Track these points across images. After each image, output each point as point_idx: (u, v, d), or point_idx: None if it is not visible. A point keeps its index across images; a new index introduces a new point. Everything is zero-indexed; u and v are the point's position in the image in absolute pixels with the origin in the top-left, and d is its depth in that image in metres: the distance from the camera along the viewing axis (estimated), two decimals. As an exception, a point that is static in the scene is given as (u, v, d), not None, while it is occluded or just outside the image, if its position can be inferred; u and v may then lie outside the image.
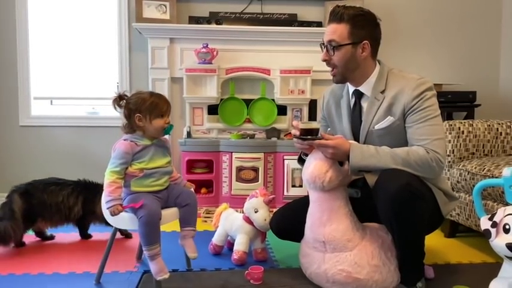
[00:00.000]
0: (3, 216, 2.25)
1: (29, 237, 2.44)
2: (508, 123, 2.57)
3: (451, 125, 2.46)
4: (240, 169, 3.03)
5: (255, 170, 3.03)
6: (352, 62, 1.76)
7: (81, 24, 3.32)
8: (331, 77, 1.85)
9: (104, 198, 1.76)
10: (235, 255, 2.08)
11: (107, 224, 1.99)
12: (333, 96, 1.96)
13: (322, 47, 1.80)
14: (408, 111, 1.71)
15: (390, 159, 1.64)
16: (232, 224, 2.18)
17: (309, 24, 3.25)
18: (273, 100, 3.25)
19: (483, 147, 2.50)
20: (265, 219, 2.08)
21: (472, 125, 2.49)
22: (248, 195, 2.21)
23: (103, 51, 3.35)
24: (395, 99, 1.74)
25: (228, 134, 3.23)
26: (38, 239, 2.45)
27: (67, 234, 2.49)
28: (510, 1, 3.50)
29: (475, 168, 2.25)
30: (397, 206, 1.57)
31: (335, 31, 1.74)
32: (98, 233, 2.49)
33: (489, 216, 1.60)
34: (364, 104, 1.82)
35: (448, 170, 2.45)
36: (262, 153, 3.04)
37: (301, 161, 1.89)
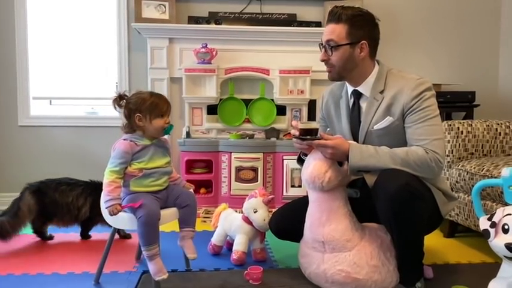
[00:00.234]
0: (8, 211, 2.30)
1: (28, 237, 2.43)
2: (507, 123, 2.58)
3: (450, 125, 2.46)
4: (239, 169, 3.03)
5: (254, 170, 3.03)
6: (350, 62, 1.76)
7: (80, 24, 3.32)
8: None
9: (103, 197, 1.76)
10: (234, 256, 2.08)
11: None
12: (332, 97, 1.97)
13: (321, 47, 1.81)
14: (407, 111, 1.71)
15: (389, 159, 1.64)
16: (232, 224, 2.18)
17: (308, 24, 3.25)
18: (272, 100, 3.25)
19: (482, 148, 2.50)
20: (264, 219, 2.08)
21: (471, 125, 2.49)
22: (247, 195, 2.21)
23: (102, 51, 3.34)
24: (395, 99, 1.74)
25: (227, 134, 3.23)
26: (37, 239, 2.44)
27: (66, 234, 2.49)
28: (509, 1, 3.50)
29: (474, 168, 2.25)
30: (396, 206, 1.58)
31: (333, 31, 1.75)
32: (97, 233, 2.49)
33: (488, 216, 1.60)
34: (363, 104, 1.82)
35: (447, 170, 2.45)
36: (262, 153, 3.04)
37: (301, 161, 1.89)
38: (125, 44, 3.29)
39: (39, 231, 2.43)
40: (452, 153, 2.45)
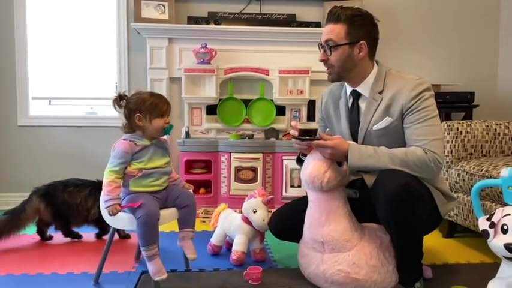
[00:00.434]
0: (12, 211, 2.34)
1: (27, 237, 2.43)
2: (506, 124, 2.58)
3: (450, 126, 2.47)
4: (238, 169, 3.03)
5: (254, 170, 3.03)
6: (349, 62, 1.77)
7: (79, 24, 3.32)
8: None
9: (103, 197, 1.76)
10: (233, 256, 2.08)
11: None
12: (331, 97, 1.97)
13: (320, 47, 1.81)
14: (406, 111, 1.71)
15: (388, 159, 1.64)
16: (231, 224, 2.18)
17: (307, 24, 3.25)
18: (272, 100, 3.25)
19: (481, 148, 2.50)
20: (263, 220, 2.08)
21: (470, 126, 2.49)
22: (247, 196, 2.21)
23: (102, 51, 3.34)
24: (394, 99, 1.74)
25: (227, 134, 3.23)
26: (35, 239, 2.44)
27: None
28: (508, 1, 3.50)
29: (473, 168, 2.25)
30: (395, 206, 1.58)
31: (332, 31, 1.75)
32: (95, 233, 2.49)
33: (487, 216, 1.60)
34: (362, 105, 1.83)
35: (447, 171, 2.46)
36: (261, 154, 3.04)
37: (300, 162, 1.90)
38: (125, 44, 3.29)
39: (68, 232, 2.42)
40: (451, 153, 2.45)
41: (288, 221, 1.96)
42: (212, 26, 3.18)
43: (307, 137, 1.70)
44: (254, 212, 2.10)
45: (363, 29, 1.75)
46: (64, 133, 3.31)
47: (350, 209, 1.78)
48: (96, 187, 2.38)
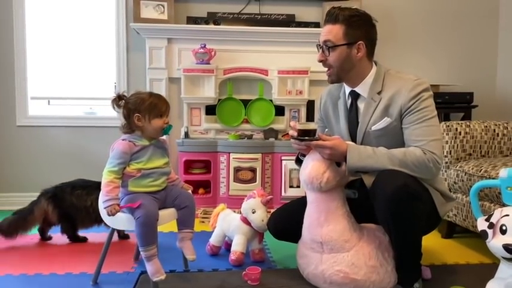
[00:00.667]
0: (20, 211, 2.35)
1: (26, 237, 2.43)
2: (505, 124, 2.58)
3: (448, 126, 2.47)
4: (237, 169, 3.03)
5: (253, 170, 3.03)
6: (347, 63, 1.77)
7: (78, 24, 3.31)
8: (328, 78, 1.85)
9: (101, 197, 1.76)
10: (232, 256, 2.08)
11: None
12: (330, 97, 1.97)
13: (318, 47, 1.81)
14: (405, 112, 1.72)
15: (387, 160, 1.64)
16: (230, 224, 2.18)
17: (306, 24, 3.25)
18: (271, 101, 3.25)
19: (480, 148, 2.50)
20: (262, 220, 2.08)
21: (469, 126, 2.50)
22: (246, 196, 2.21)
23: (101, 51, 3.34)
24: (392, 100, 1.74)
25: (226, 135, 3.23)
26: (34, 239, 2.44)
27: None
28: (507, 2, 3.51)
29: (472, 169, 2.25)
30: (394, 206, 1.58)
31: (330, 32, 1.75)
32: (95, 233, 2.48)
33: (486, 217, 1.60)
34: (361, 105, 1.83)
35: (445, 171, 2.46)
36: (260, 154, 3.04)
37: (299, 162, 1.90)
38: (124, 44, 3.29)
39: (74, 236, 2.43)
40: (450, 154, 2.45)
41: (287, 221, 1.96)
42: (211, 26, 3.18)
43: (306, 138, 1.70)
44: (253, 213, 2.10)
45: (361, 29, 1.75)
46: (63, 133, 3.31)
47: (349, 210, 1.78)
48: None
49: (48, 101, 3.40)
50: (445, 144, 2.45)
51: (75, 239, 2.43)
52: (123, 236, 2.48)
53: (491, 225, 1.54)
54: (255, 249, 2.15)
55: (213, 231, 2.27)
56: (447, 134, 2.46)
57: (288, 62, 3.22)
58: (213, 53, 3.14)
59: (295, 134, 1.71)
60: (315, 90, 3.20)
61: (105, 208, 1.72)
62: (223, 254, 2.22)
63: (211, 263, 2.11)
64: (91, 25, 3.32)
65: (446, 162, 2.46)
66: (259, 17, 3.28)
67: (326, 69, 1.83)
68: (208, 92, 3.19)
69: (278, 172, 3.08)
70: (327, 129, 1.97)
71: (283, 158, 3.06)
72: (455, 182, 2.37)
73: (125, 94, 1.85)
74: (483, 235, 1.56)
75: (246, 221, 2.12)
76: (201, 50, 3.11)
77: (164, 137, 1.92)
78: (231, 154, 3.03)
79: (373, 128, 1.77)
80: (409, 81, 1.74)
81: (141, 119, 1.79)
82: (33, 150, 3.28)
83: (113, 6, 3.27)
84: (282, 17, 3.30)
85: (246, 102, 3.24)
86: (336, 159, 1.71)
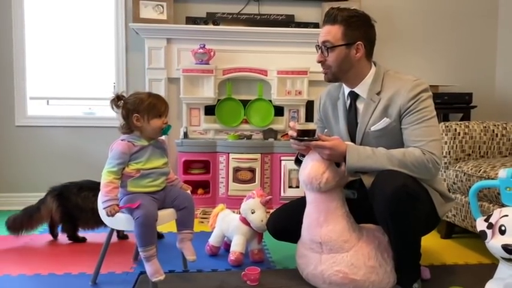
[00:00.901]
0: (27, 209, 2.37)
1: (24, 238, 2.42)
2: (504, 125, 2.58)
3: (447, 127, 2.47)
4: (236, 170, 3.03)
5: (252, 170, 3.03)
6: (346, 63, 1.77)
7: (77, 24, 3.31)
8: None
9: (101, 198, 1.76)
10: (231, 256, 2.08)
11: None
12: (330, 98, 1.97)
13: (317, 48, 1.81)
14: (404, 112, 1.72)
15: (386, 160, 1.65)
16: (229, 224, 2.18)
17: (306, 25, 3.25)
18: (270, 101, 3.25)
19: (479, 149, 2.50)
20: (262, 220, 2.08)
21: (468, 127, 2.50)
22: (245, 196, 2.21)
23: (100, 52, 3.34)
24: (391, 100, 1.74)
25: (225, 135, 3.23)
26: (32, 240, 2.44)
27: (62, 235, 2.47)
28: (506, 3, 3.51)
29: (471, 169, 2.25)
30: (393, 207, 1.58)
31: (329, 32, 1.76)
32: (94, 234, 2.48)
33: (485, 217, 1.60)
34: (360, 106, 1.83)
35: (444, 171, 2.46)
36: (259, 154, 3.04)
37: (298, 162, 1.90)
38: (123, 44, 3.28)
39: (73, 236, 2.43)
40: (449, 154, 2.45)
41: (286, 221, 1.96)
42: (210, 27, 3.17)
43: (306, 138, 1.70)
44: (252, 213, 2.09)
45: (359, 30, 1.75)
46: (62, 133, 3.30)
47: (348, 210, 1.78)
48: None
49: (47, 101, 3.40)
50: (444, 145, 2.45)
51: (74, 239, 2.43)
52: (122, 236, 2.48)
53: (490, 226, 1.54)
54: (254, 250, 2.15)
55: (212, 232, 2.27)
56: (446, 135, 2.46)
57: (287, 63, 3.22)
58: (212, 53, 3.14)
59: (295, 134, 1.71)
60: (314, 90, 3.21)
61: (104, 208, 1.72)
62: (223, 255, 2.22)
63: (210, 264, 2.11)
64: (90, 25, 3.32)
65: (446, 163, 2.46)
66: (259, 17, 3.28)
67: (324, 69, 1.83)
68: (208, 92, 3.19)
69: (277, 172, 3.08)
70: (326, 130, 1.97)
71: (282, 158, 3.06)
72: (454, 183, 2.38)
73: (124, 94, 1.84)
74: (482, 235, 1.56)
75: (245, 221, 2.12)
76: (200, 50, 3.11)
77: (163, 137, 1.91)
78: (230, 154, 3.03)
79: (373, 128, 1.77)
80: (408, 81, 1.74)
81: (140, 119, 1.78)
82: (32, 151, 3.28)
83: (112, 6, 3.27)
84: (281, 18, 3.30)
85: (245, 103, 3.24)
86: (335, 160, 1.71)
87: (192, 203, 1.87)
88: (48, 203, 2.36)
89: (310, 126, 1.73)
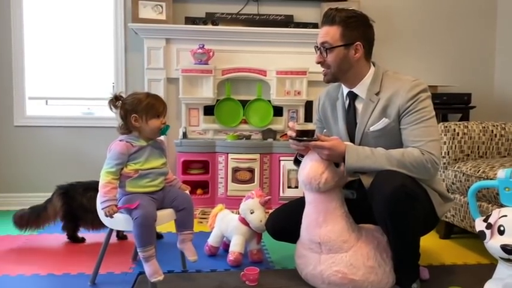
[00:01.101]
0: (35, 207, 2.38)
1: (22, 238, 2.42)
2: (503, 125, 2.59)
3: (446, 127, 2.47)
4: (235, 170, 3.03)
5: (251, 171, 3.03)
6: (345, 63, 1.77)
7: (76, 24, 3.31)
8: None
9: (99, 198, 1.76)
10: (230, 257, 2.08)
11: None
12: (329, 98, 1.97)
13: (316, 49, 1.82)
14: (403, 113, 1.72)
15: (385, 160, 1.65)
16: (228, 225, 2.18)
17: (305, 25, 3.25)
18: (269, 101, 3.25)
19: (478, 149, 2.51)
20: (261, 220, 2.08)
21: (467, 127, 2.50)
22: (244, 196, 2.21)
23: (99, 52, 3.33)
24: (390, 101, 1.74)
25: (224, 135, 3.23)
26: (31, 240, 2.44)
27: (61, 235, 2.47)
28: (505, 3, 3.52)
29: (470, 169, 2.26)
30: (392, 207, 1.58)
31: (327, 33, 1.76)
32: (94, 234, 2.48)
33: (484, 217, 1.60)
34: (359, 106, 1.83)
35: (443, 172, 2.46)
36: (258, 154, 3.04)
37: (297, 162, 1.89)
38: (122, 44, 3.28)
39: (73, 235, 2.43)
40: (448, 154, 2.46)
41: (285, 221, 1.96)
42: (210, 27, 3.17)
43: (305, 138, 1.70)
44: (251, 213, 2.09)
45: (358, 30, 1.76)
46: (61, 133, 3.30)
47: (347, 210, 1.78)
48: None
49: (46, 101, 3.40)
50: (443, 145, 2.46)
51: (73, 238, 2.42)
52: (122, 236, 2.48)
53: (489, 226, 1.54)
54: (253, 250, 2.15)
55: (211, 232, 2.27)
56: (445, 135, 2.46)
57: (286, 63, 3.22)
58: (211, 53, 3.14)
59: (294, 134, 1.71)
60: (313, 90, 3.21)
61: (103, 209, 1.72)
62: (222, 255, 2.22)
63: (209, 264, 2.11)
64: (89, 25, 3.32)
65: (444, 163, 2.46)
66: (258, 17, 3.28)
67: (323, 69, 1.83)
68: (207, 92, 3.18)
69: (276, 172, 3.08)
70: (325, 130, 1.97)
71: (281, 158, 3.06)
72: (453, 183, 2.38)
73: (122, 95, 1.84)
74: (481, 236, 1.56)
75: (244, 221, 2.12)
76: (200, 51, 3.11)
77: (162, 137, 1.91)
78: (229, 154, 3.03)
79: (371, 128, 1.77)
80: (407, 82, 1.74)
81: (138, 120, 1.78)
82: (31, 151, 3.28)
83: (111, 6, 3.27)
84: (280, 18, 3.30)
85: (244, 103, 3.24)
86: (335, 160, 1.71)
87: (191, 203, 1.87)
88: (54, 201, 2.37)
89: (309, 126, 1.73)
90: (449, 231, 2.53)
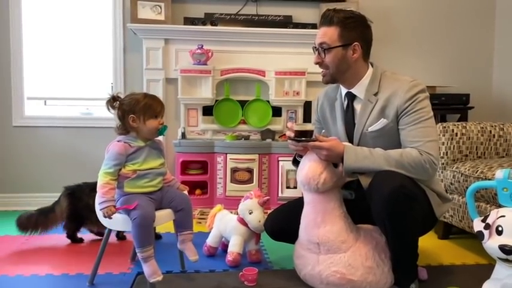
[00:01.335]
0: (42, 209, 2.38)
1: (21, 238, 2.42)
2: (501, 126, 2.59)
3: (445, 127, 2.47)
4: (234, 170, 3.03)
5: (250, 171, 3.03)
6: (343, 64, 1.77)
7: (75, 25, 3.30)
8: None
9: (97, 199, 1.76)
10: (229, 257, 2.08)
11: None
12: (327, 99, 1.97)
13: (314, 50, 1.82)
14: (401, 113, 1.72)
15: (384, 161, 1.65)
16: (227, 225, 2.18)
17: (304, 26, 3.25)
18: (268, 101, 3.25)
19: (476, 150, 2.51)
20: (259, 221, 2.08)
21: (466, 127, 2.50)
22: (242, 197, 2.21)
23: (97, 52, 3.33)
24: (389, 101, 1.75)
25: (223, 135, 3.23)
26: (29, 240, 2.43)
27: (60, 235, 2.47)
28: (503, 4, 3.52)
29: (468, 170, 2.26)
30: (390, 207, 1.58)
31: (325, 34, 1.76)
32: (92, 234, 2.48)
33: (482, 218, 1.60)
34: (357, 106, 1.83)
35: (442, 172, 2.46)
36: (257, 155, 3.04)
37: (296, 163, 1.90)
38: (121, 44, 3.28)
39: (72, 235, 2.42)
40: (446, 155, 2.46)
41: (284, 222, 1.96)
42: (208, 27, 3.17)
43: (303, 138, 1.70)
44: (250, 213, 2.10)
45: (356, 30, 1.76)
46: (59, 134, 3.29)
47: (346, 210, 1.79)
48: None
49: (45, 102, 3.39)
50: (442, 146, 2.46)
51: (72, 238, 2.42)
52: (121, 236, 2.47)
53: (488, 226, 1.54)
54: (251, 250, 2.15)
55: (209, 232, 2.27)
56: (443, 135, 2.46)
57: (285, 63, 3.22)
58: (210, 53, 3.14)
59: (292, 135, 1.72)
60: (312, 91, 3.21)
61: (101, 210, 1.72)
62: (220, 255, 2.22)
63: (208, 264, 2.11)
64: (88, 25, 3.31)
65: (443, 163, 2.46)
66: (257, 18, 3.28)
67: (322, 70, 1.83)
68: (206, 92, 3.18)
69: (275, 173, 3.08)
70: (323, 130, 1.97)
71: (280, 158, 3.06)
72: (451, 183, 2.38)
73: (120, 95, 1.84)
74: (479, 236, 1.56)
75: (242, 221, 2.12)
76: (198, 51, 3.11)
77: (160, 137, 1.91)
78: (228, 155, 3.03)
79: (370, 129, 1.77)
80: (405, 82, 1.75)
81: (136, 120, 1.78)
82: (29, 151, 3.27)
83: (110, 6, 3.27)
84: (279, 18, 3.30)
85: (243, 103, 3.24)
86: (333, 160, 1.72)
87: (189, 204, 1.87)
88: (61, 202, 2.37)
89: (308, 126, 1.73)
90: (448, 232, 2.54)
